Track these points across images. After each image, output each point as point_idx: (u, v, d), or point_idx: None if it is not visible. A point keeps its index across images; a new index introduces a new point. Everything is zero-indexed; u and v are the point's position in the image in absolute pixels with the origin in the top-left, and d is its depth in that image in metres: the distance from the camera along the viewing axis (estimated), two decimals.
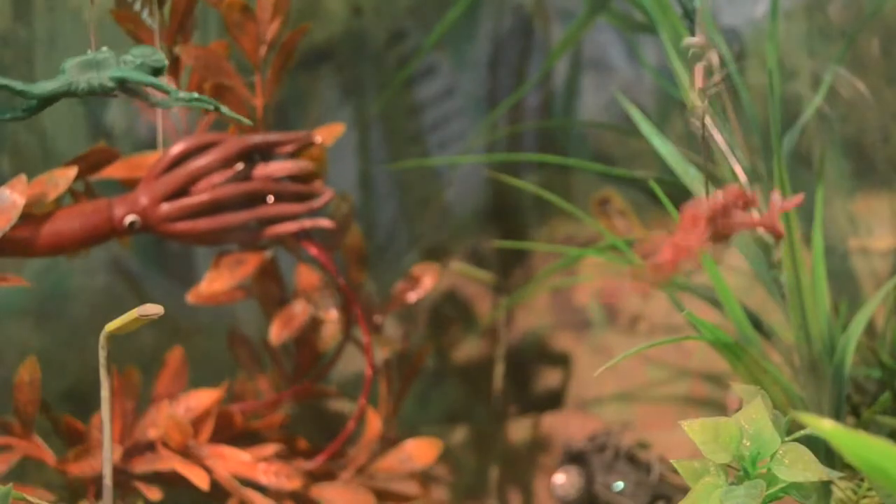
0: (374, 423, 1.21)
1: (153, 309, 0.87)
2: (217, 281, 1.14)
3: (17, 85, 0.95)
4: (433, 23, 1.44)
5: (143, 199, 1.09)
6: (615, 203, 1.43)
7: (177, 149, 1.11)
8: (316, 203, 1.15)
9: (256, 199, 1.13)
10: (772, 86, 1.07)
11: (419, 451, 1.22)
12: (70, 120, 1.27)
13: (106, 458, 0.91)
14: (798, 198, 0.89)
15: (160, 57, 0.89)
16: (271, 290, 1.21)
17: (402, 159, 1.48)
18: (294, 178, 1.15)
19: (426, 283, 1.26)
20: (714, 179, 1.12)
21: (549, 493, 1.28)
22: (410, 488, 1.25)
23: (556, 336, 1.48)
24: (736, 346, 1.02)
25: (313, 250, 1.17)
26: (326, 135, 1.16)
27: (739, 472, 0.81)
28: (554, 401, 1.46)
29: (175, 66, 1.12)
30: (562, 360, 1.47)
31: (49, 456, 1.09)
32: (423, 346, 1.31)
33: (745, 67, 1.28)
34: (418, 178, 1.51)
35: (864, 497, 0.99)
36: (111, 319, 0.88)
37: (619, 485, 1.25)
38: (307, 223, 1.15)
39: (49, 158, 1.27)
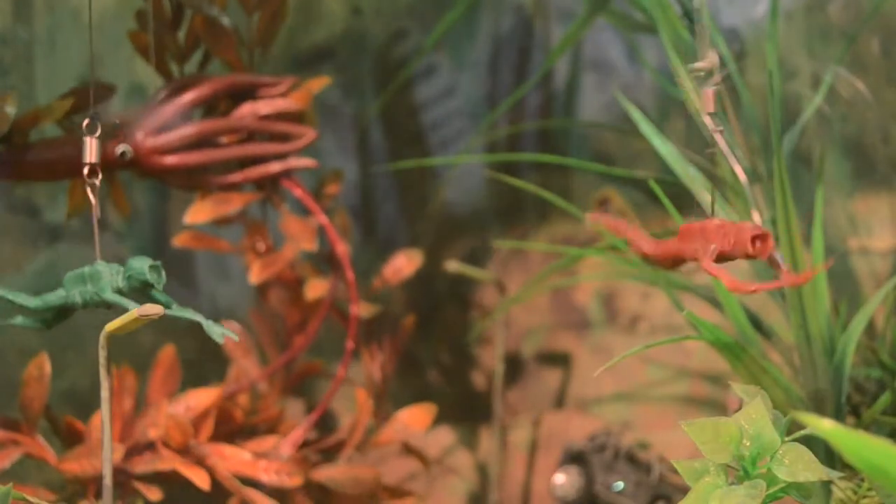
0: (364, 399, 1.21)
1: (153, 309, 0.87)
2: (200, 213, 1.17)
3: (18, 298, 0.96)
4: (433, 23, 1.44)
5: (135, 133, 1.12)
6: (615, 203, 1.43)
7: (168, 87, 1.15)
8: (300, 142, 1.18)
9: (243, 137, 1.17)
10: (772, 86, 1.07)
11: (413, 418, 1.23)
12: None
13: (106, 458, 0.91)
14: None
15: (144, 272, 0.92)
16: (258, 247, 1.22)
17: (402, 159, 1.48)
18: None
19: (407, 267, 1.27)
20: (714, 179, 1.12)
21: (549, 493, 1.28)
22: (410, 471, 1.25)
23: (556, 336, 1.48)
24: (736, 346, 1.02)
25: (297, 191, 1.19)
26: (314, 84, 1.20)
27: (739, 472, 0.81)
28: (554, 401, 1.46)
29: (177, 15, 1.16)
30: (562, 360, 1.47)
31: (50, 455, 1.09)
32: (407, 317, 1.31)
33: (745, 67, 1.27)
34: (418, 178, 1.51)
35: (864, 497, 0.98)
36: (111, 319, 0.89)
37: (619, 485, 1.25)
38: (292, 163, 1.17)
39: None
